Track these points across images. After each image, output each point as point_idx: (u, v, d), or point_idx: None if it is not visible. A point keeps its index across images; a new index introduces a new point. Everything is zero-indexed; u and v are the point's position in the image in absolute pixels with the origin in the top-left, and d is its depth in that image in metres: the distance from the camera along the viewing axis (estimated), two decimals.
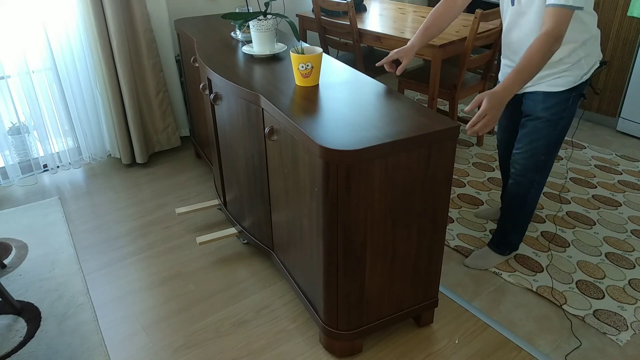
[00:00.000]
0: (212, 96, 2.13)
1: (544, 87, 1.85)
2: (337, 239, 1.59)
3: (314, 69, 1.85)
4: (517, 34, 1.86)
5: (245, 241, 2.43)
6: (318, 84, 1.90)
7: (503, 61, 2.03)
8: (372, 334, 1.90)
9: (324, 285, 1.71)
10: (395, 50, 1.94)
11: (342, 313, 1.74)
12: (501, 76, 2.09)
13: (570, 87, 1.85)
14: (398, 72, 1.91)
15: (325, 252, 1.64)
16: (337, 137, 1.51)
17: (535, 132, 1.93)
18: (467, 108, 1.61)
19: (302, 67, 1.84)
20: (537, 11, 1.74)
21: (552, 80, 1.82)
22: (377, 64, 1.92)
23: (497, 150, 3.24)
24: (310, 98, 1.78)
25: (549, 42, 1.59)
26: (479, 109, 1.60)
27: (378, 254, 1.67)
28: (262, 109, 1.82)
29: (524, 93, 1.94)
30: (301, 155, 1.63)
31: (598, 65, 1.90)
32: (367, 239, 1.62)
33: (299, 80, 1.89)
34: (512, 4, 1.81)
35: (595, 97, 3.57)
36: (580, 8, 1.62)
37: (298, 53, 1.83)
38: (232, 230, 2.39)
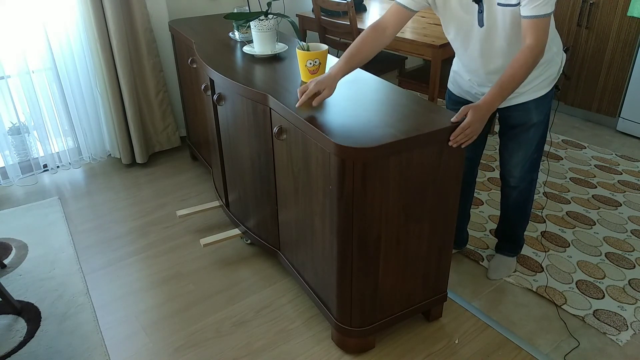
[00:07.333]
0: (215, 97, 2.13)
1: (533, 95, 1.84)
2: (352, 236, 1.60)
3: (320, 65, 1.87)
4: (490, 52, 1.76)
5: (249, 241, 2.43)
6: None
7: (465, 75, 1.92)
8: (384, 330, 1.91)
9: (338, 282, 1.72)
10: (314, 81, 1.65)
11: (355, 310, 1.75)
12: (451, 84, 2.04)
13: (553, 86, 1.88)
14: (315, 104, 1.65)
15: (339, 250, 1.65)
16: (351, 134, 1.51)
17: (529, 139, 1.91)
18: (453, 118, 1.60)
19: (310, 63, 1.85)
20: (509, 27, 1.67)
21: (538, 84, 1.82)
22: (296, 105, 1.67)
23: (496, 151, 3.24)
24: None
25: (533, 56, 1.57)
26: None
27: (391, 250, 1.68)
28: (270, 108, 1.83)
29: (509, 106, 1.88)
30: (313, 153, 1.63)
31: (565, 54, 1.90)
32: (381, 235, 1.63)
33: (305, 77, 1.90)
34: (481, 25, 1.70)
35: (595, 97, 3.57)
36: (553, 10, 1.58)
37: (304, 50, 1.84)
38: (236, 231, 2.38)
